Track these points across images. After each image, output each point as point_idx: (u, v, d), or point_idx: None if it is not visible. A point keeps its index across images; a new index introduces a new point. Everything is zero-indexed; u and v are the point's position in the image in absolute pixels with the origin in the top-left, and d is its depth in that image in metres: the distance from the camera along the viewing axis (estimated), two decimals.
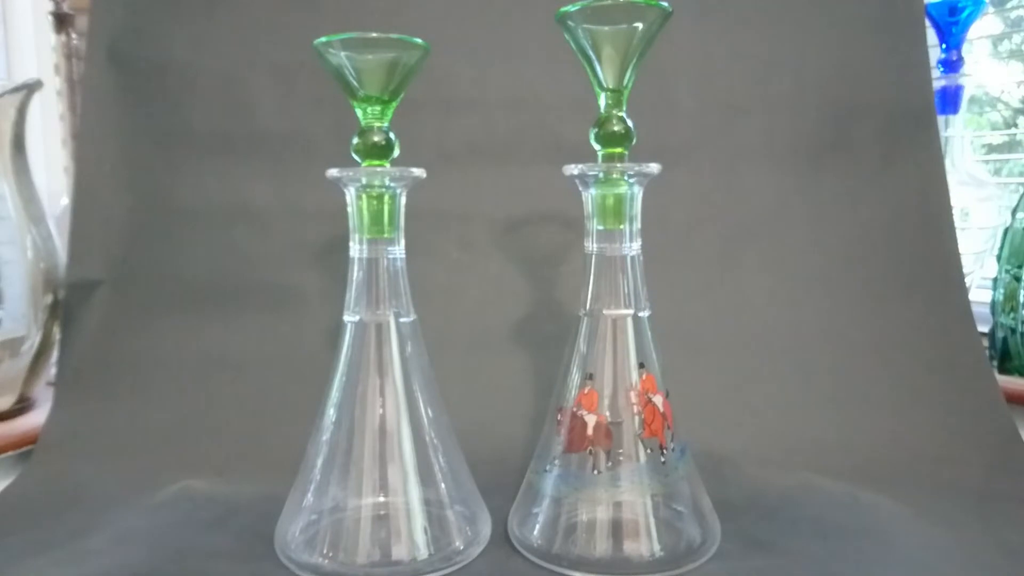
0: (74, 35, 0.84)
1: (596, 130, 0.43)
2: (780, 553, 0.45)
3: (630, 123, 0.43)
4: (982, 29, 0.98)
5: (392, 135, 0.44)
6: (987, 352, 0.75)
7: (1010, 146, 1.03)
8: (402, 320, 0.46)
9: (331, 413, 0.45)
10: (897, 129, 0.69)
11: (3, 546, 0.47)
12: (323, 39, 0.41)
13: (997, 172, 1.01)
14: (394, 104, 0.44)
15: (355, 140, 0.43)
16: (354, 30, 0.41)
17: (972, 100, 0.94)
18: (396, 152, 0.44)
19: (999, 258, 0.76)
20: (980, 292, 0.83)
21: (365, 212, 0.44)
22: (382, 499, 0.45)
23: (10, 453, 0.61)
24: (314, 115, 0.65)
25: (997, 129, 1.07)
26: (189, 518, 0.51)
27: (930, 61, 0.70)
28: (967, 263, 0.75)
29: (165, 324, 0.65)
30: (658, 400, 0.45)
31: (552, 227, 0.67)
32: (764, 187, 0.68)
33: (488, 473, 0.50)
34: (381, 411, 0.45)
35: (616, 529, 0.44)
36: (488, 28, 0.67)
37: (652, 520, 0.45)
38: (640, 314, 0.45)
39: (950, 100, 0.83)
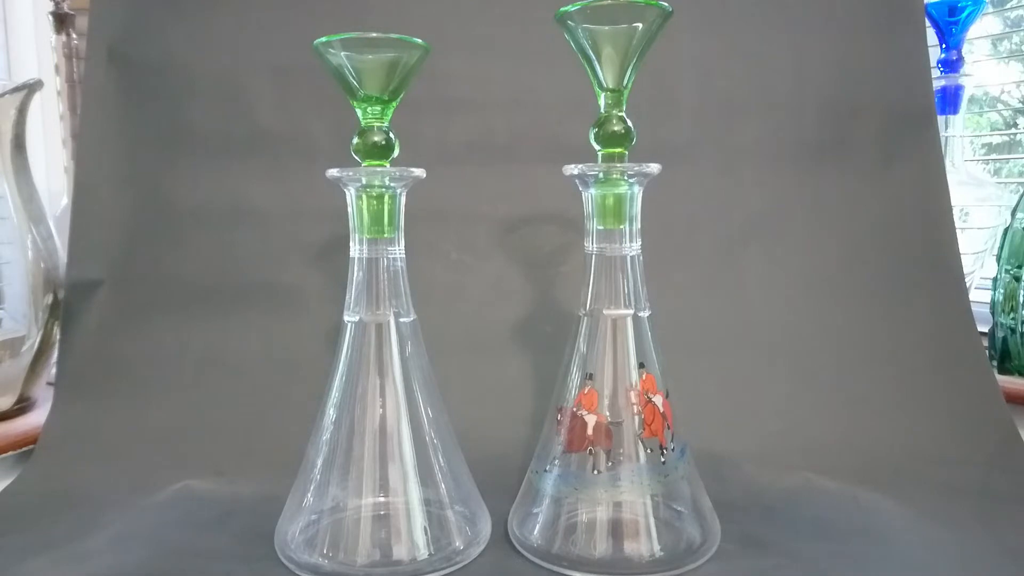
0: (74, 35, 0.84)
1: (596, 130, 0.43)
2: (780, 553, 0.45)
3: (630, 123, 0.43)
4: (982, 29, 0.98)
5: (392, 135, 0.44)
6: (987, 352, 0.75)
7: (1010, 146, 1.03)
8: (402, 320, 0.46)
9: (331, 413, 0.45)
10: (897, 129, 0.69)
11: (3, 546, 0.47)
12: (323, 39, 0.41)
13: (997, 172, 1.01)
14: (394, 104, 0.44)
15: (355, 140, 0.43)
16: (354, 30, 0.41)
17: (972, 100, 0.94)
18: (396, 152, 0.44)
19: (999, 258, 0.76)
20: (980, 292, 0.83)
21: (365, 212, 0.44)
22: (382, 499, 0.45)
23: (10, 453, 0.61)
24: (314, 115, 0.65)
25: (997, 129, 1.07)
26: (189, 518, 0.51)
27: (930, 61, 0.70)
28: (967, 263, 0.75)
29: (165, 324, 0.65)
30: (658, 400, 0.45)
31: (552, 227, 0.67)
32: (764, 187, 0.68)
33: (488, 473, 0.50)
34: (381, 411, 0.45)
35: (616, 529, 0.44)
36: (488, 28, 0.67)
37: (652, 520, 0.45)
38: (640, 314, 0.45)
39: (950, 100, 0.83)
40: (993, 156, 1.05)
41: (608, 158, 0.43)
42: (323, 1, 0.65)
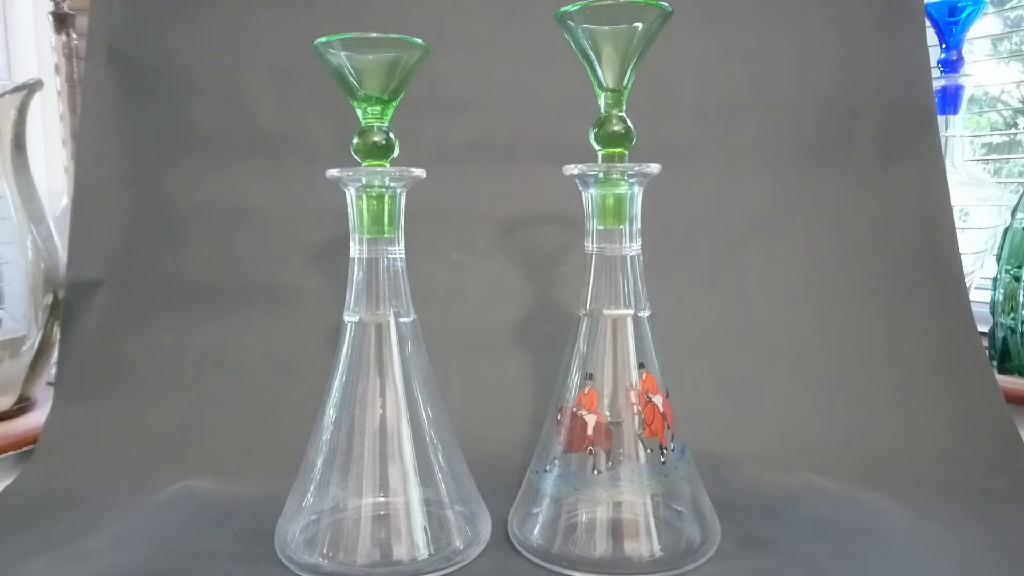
0: (74, 35, 0.84)
1: (596, 130, 0.43)
2: (780, 553, 0.45)
3: (630, 123, 0.43)
4: (982, 29, 0.98)
5: (392, 135, 0.44)
6: (987, 352, 0.75)
7: (1010, 146, 1.03)
8: (402, 320, 0.46)
9: (331, 413, 0.45)
10: (897, 129, 0.69)
11: (3, 546, 0.47)
12: (323, 39, 0.41)
13: (997, 172, 1.01)
14: (394, 104, 0.44)
15: (355, 140, 0.43)
16: (354, 30, 0.41)
17: (972, 100, 0.94)
18: (396, 152, 0.44)
19: (999, 258, 0.76)
20: (980, 292, 0.83)
21: (365, 212, 0.44)
22: (382, 499, 0.45)
23: (10, 453, 0.61)
24: (314, 115, 0.65)
25: (997, 129, 1.06)
26: (189, 518, 0.51)
27: (930, 61, 0.70)
28: (967, 263, 0.75)
29: (165, 324, 0.65)
30: (658, 400, 0.45)
31: (552, 227, 0.67)
32: (764, 187, 0.68)
33: (488, 473, 0.50)
34: (381, 411, 0.45)
35: (616, 529, 0.44)
36: (488, 28, 0.67)
37: (652, 520, 0.45)
38: (640, 314, 0.45)
39: (950, 100, 0.83)
40: (993, 156, 1.05)
41: (608, 158, 0.43)
42: (323, 1, 0.65)
